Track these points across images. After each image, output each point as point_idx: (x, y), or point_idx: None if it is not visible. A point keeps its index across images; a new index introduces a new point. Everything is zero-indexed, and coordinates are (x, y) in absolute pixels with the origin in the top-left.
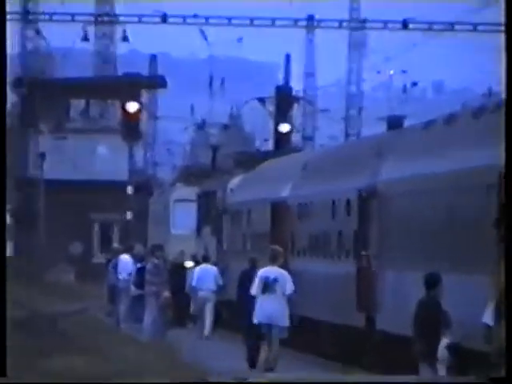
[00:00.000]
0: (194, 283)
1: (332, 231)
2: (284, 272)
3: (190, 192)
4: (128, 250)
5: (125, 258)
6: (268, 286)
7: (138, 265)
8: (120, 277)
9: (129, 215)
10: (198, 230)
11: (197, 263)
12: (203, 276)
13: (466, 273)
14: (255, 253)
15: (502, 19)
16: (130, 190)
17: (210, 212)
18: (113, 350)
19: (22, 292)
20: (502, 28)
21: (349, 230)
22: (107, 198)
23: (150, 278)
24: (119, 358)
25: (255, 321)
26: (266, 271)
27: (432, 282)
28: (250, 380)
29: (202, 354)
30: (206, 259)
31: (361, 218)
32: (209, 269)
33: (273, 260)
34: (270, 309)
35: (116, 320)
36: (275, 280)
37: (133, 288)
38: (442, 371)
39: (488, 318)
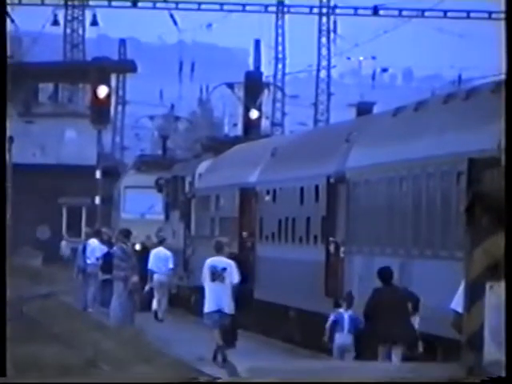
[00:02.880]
0: (149, 266)
1: (300, 217)
2: (231, 262)
3: (141, 179)
4: (96, 234)
5: (93, 242)
6: (216, 274)
7: (106, 249)
8: (88, 261)
9: (97, 200)
10: (166, 214)
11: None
12: (157, 259)
13: (434, 258)
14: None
15: (476, 6)
16: (98, 174)
17: (178, 197)
18: (81, 337)
19: None
20: (471, 14)
21: (317, 215)
22: (75, 182)
23: (118, 263)
24: (87, 345)
25: (206, 309)
26: (214, 261)
27: (388, 275)
28: (250, 380)
29: (162, 338)
30: (160, 243)
31: (329, 204)
32: (163, 252)
33: (218, 250)
34: (218, 297)
35: (84, 304)
36: (224, 269)
37: (100, 273)
38: (420, 348)
39: (457, 304)
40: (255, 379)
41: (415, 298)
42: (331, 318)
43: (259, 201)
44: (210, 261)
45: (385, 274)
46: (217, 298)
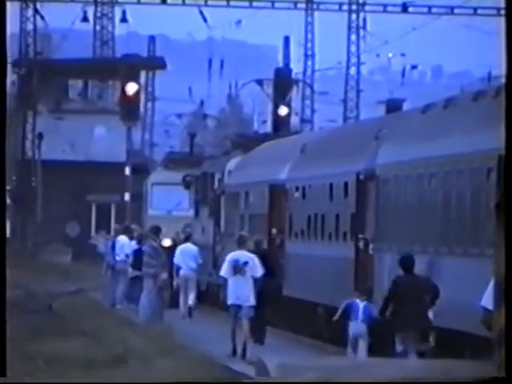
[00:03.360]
0: (175, 261)
1: (330, 214)
2: (253, 256)
3: (168, 176)
4: (125, 231)
5: (122, 238)
6: (238, 268)
7: (137, 246)
8: (117, 258)
9: (126, 196)
10: (196, 211)
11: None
12: (184, 255)
13: (464, 256)
14: (253, 235)
15: (502, 3)
16: (127, 171)
17: (207, 194)
18: (109, 333)
19: (17, 273)
20: (502, 12)
21: (347, 212)
22: (105, 179)
23: (148, 260)
24: (116, 341)
25: (228, 302)
26: (236, 255)
27: (410, 264)
28: (252, 380)
29: (190, 335)
30: (187, 239)
31: (358, 200)
32: (190, 248)
33: (240, 245)
34: (239, 290)
35: (112, 301)
36: (245, 263)
37: (130, 269)
38: (432, 343)
39: (487, 301)
40: (257, 380)
41: (436, 289)
42: (343, 304)
43: (289, 198)
44: (231, 255)
45: (406, 262)
46: (238, 291)
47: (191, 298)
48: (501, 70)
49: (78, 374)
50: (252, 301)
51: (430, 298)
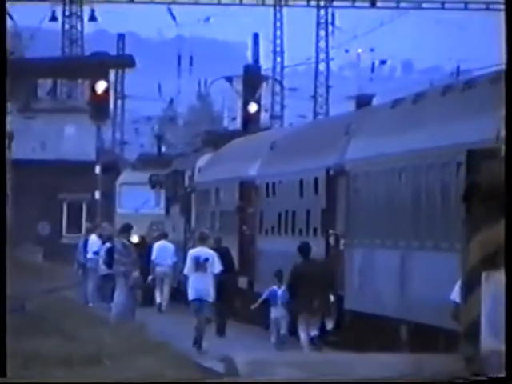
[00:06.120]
0: (153, 258)
1: (300, 210)
2: (213, 252)
3: (135, 176)
4: (96, 229)
5: (93, 237)
6: (199, 265)
7: (108, 244)
8: (88, 256)
9: (97, 195)
10: (167, 209)
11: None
12: (161, 252)
13: (435, 250)
14: (223, 231)
15: None
16: (98, 169)
17: (178, 191)
18: (83, 332)
19: None
20: (470, 6)
21: (317, 208)
22: (75, 177)
23: (119, 258)
24: (90, 340)
25: (190, 298)
26: (197, 251)
27: (307, 250)
28: (250, 380)
29: (162, 332)
30: (163, 236)
31: (329, 196)
32: (166, 245)
33: (202, 241)
34: (200, 286)
35: (84, 299)
36: (206, 260)
37: (102, 267)
38: (330, 324)
39: (456, 295)
40: (258, 379)
41: (331, 271)
42: (266, 292)
43: (259, 194)
44: (193, 251)
45: (304, 248)
46: (199, 287)
47: (165, 294)
48: (469, 64)
49: (55, 372)
50: (212, 296)
51: (328, 280)
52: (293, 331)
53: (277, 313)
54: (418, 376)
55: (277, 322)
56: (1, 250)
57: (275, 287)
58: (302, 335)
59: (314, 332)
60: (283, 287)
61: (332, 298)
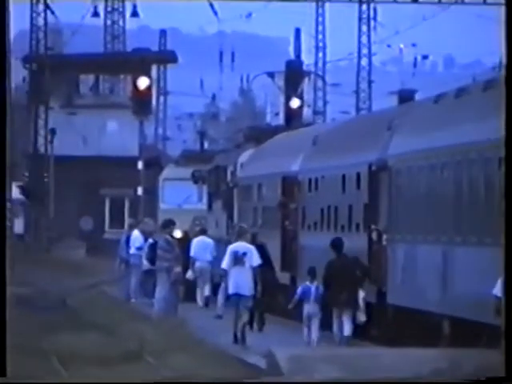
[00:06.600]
0: (192, 254)
1: (343, 205)
2: (251, 247)
3: (178, 172)
4: (139, 225)
5: (136, 232)
6: (237, 259)
7: (150, 240)
8: (131, 251)
9: (139, 191)
10: (209, 204)
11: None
12: (200, 248)
13: (478, 245)
14: (266, 227)
15: None
16: (140, 165)
17: (220, 187)
18: (124, 327)
19: (30, 268)
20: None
21: (359, 203)
22: (117, 173)
23: (162, 254)
24: (131, 336)
25: (229, 292)
26: (236, 246)
27: (339, 246)
28: (250, 380)
29: (204, 328)
30: (202, 232)
31: (371, 191)
32: (205, 241)
33: (240, 236)
34: (239, 280)
35: (126, 295)
36: (244, 254)
37: (145, 263)
38: (361, 317)
39: (498, 290)
40: (257, 379)
41: (364, 267)
42: (299, 290)
43: (301, 189)
44: (232, 246)
45: (337, 244)
46: (237, 281)
47: (207, 290)
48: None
49: (93, 370)
50: (251, 290)
51: (361, 275)
52: (326, 327)
53: (309, 309)
54: (456, 372)
55: (309, 318)
56: (1, 251)
57: (308, 283)
58: (336, 330)
59: (347, 327)
60: (316, 283)
61: (362, 292)
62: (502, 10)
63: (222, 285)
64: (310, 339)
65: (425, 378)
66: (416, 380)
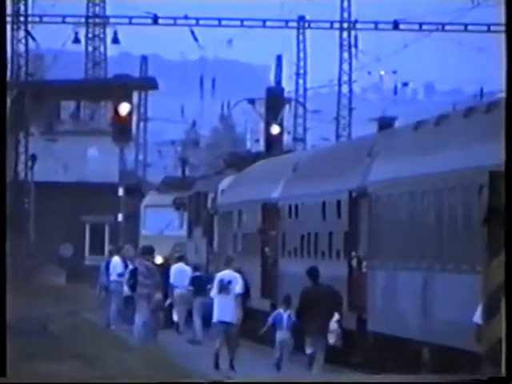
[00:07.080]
0: (171, 280)
1: (323, 232)
2: (237, 275)
3: (160, 199)
4: (119, 251)
5: (116, 259)
6: (223, 287)
7: (131, 266)
8: (111, 278)
9: (120, 217)
10: (189, 231)
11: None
12: (178, 274)
13: (456, 272)
14: (246, 254)
15: (496, 19)
16: (120, 191)
17: (200, 213)
18: (105, 354)
19: (10, 295)
20: (492, 28)
21: (339, 230)
22: (98, 200)
23: (142, 280)
24: (111, 363)
25: (213, 320)
26: (222, 275)
27: (315, 275)
28: (247, 380)
29: (187, 356)
30: (181, 258)
31: (351, 218)
32: (183, 268)
33: (227, 264)
34: (224, 307)
35: (106, 321)
36: (229, 282)
37: (125, 289)
38: (332, 340)
39: (479, 317)
40: (258, 379)
41: (338, 295)
42: (271, 316)
43: (282, 216)
44: (219, 275)
45: (313, 273)
46: (222, 309)
47: (182, 316)
48: (492, 85)
49: None
50: (236, 318)
51: (335, 302)
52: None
53: (282, 335)
54: None
55: (281, 344)
56: (1, 251)
57: (281, 311)
58: (308, 357)
59: (320, 354)
60: (289, 311)
61: (337, 315)
62: (484, 37)
63: (196, 311)
64: (280, 365)
65: (425, 378)
66: (416, 380)
